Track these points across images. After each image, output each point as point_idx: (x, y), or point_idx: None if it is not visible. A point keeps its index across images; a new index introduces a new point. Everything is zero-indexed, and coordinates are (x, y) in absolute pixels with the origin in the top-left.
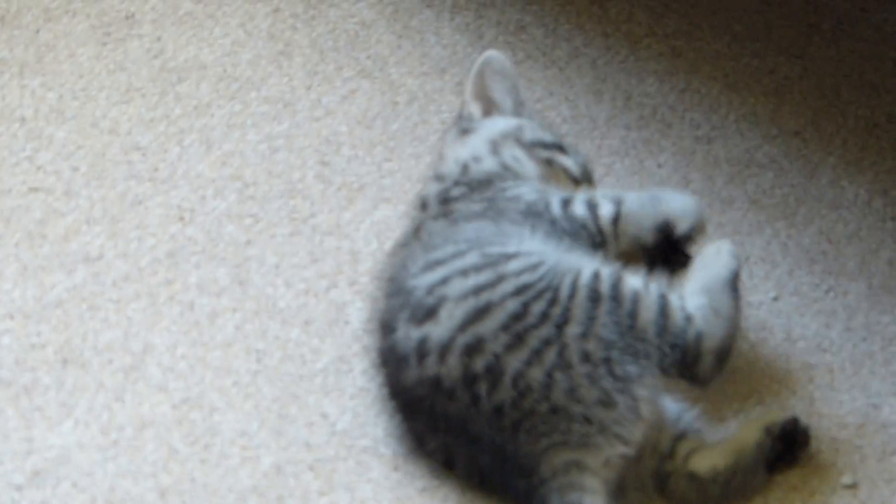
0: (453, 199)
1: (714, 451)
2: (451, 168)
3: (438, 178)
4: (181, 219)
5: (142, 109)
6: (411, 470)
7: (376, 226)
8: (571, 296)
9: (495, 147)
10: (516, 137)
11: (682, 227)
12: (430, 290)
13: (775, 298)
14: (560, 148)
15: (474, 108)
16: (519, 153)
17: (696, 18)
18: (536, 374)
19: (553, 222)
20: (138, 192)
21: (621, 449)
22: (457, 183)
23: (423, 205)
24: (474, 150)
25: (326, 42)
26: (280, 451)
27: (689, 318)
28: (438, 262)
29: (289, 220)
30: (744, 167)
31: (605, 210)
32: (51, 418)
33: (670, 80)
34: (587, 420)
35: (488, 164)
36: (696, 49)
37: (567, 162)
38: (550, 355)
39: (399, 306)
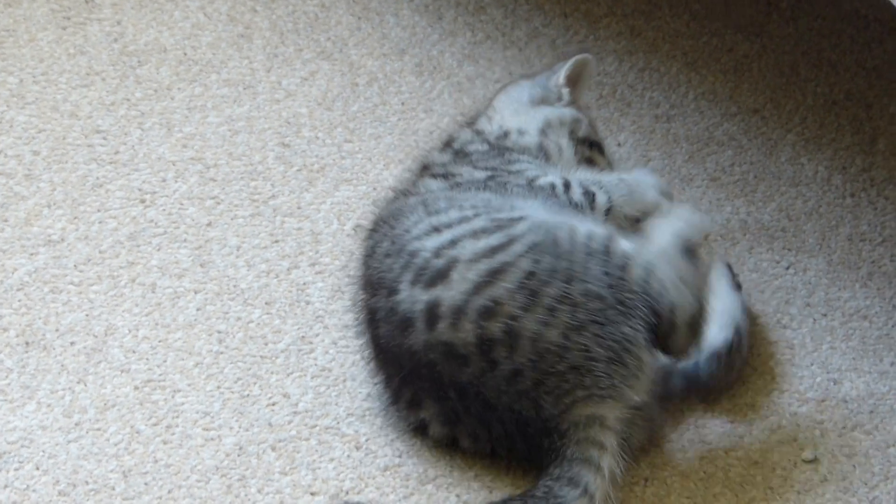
0: (467, 154)
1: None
2: (492, 128)
3: (477, 131)
4: (142, 201)
5: (102, 93)
6: (373, 449)
7: (337, 206)
8: (571, 249)
9: (546, 129)
10: (572, 129)
11: (658, 209)
12: (438, 252)
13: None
14: (601, 149)
15: (566, 93)
16: (565, 143)
17: None
18: (554, 335)
19: (553, 195)
20: (99, 175)
21: (634, 402)
22: (485, 142)
23: (447, 144)
24: (527, 124)
25: (286, 24)
26: (242, 431)
27: (664, 287)
28: (444, 226)
29: (250, 202)
30: (703, 145)
31: (601, 200)
32: (13, 401)
33: (630, 60)
34: (604, 376)
35: (528, 140)
36: (655, 28)
37: (602, 163)
38: (563, 315)
39: (401, 267)
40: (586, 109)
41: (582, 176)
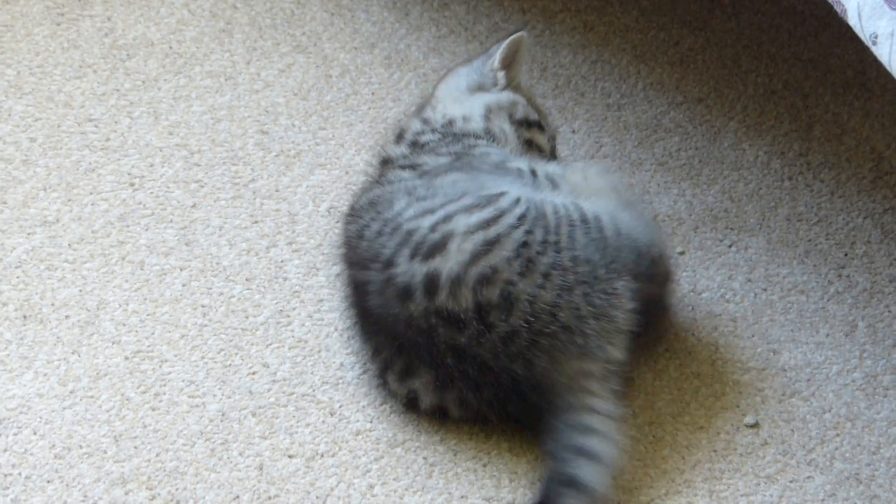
0: (422, 144)
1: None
2: (437, 117)
3: (424, 120)
4: (132, 185)
5: (94, 84)
6: (346, 415)
7: (312, 189)
8: (557, 224)
9: (489, 114)
10: (510, 112)
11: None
12: (434, 227)
13: (681, 253)
14: (540, 126)
15: (501, 76)
16: (507, 127)
17: None
18: (548, 298)
19: (520, 177)
20: (92, 160)
21: (618, 355)
22: (434, 131)
23: (399, 136)
24: (470, 110)
25: (265, 20)
26: (225, 398)
27: (636, 229)
28: (436, 207)
29: (231, 185)
30: (651, 132)
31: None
32: (12, 370)
33: (583, 53)
34: (592, 334)
35: (474, 126)
36: (606, 23)
37: (542, 140)
38: (557, 279)
39: (397, 244)
40: (525, 89)
41: (546, 167)
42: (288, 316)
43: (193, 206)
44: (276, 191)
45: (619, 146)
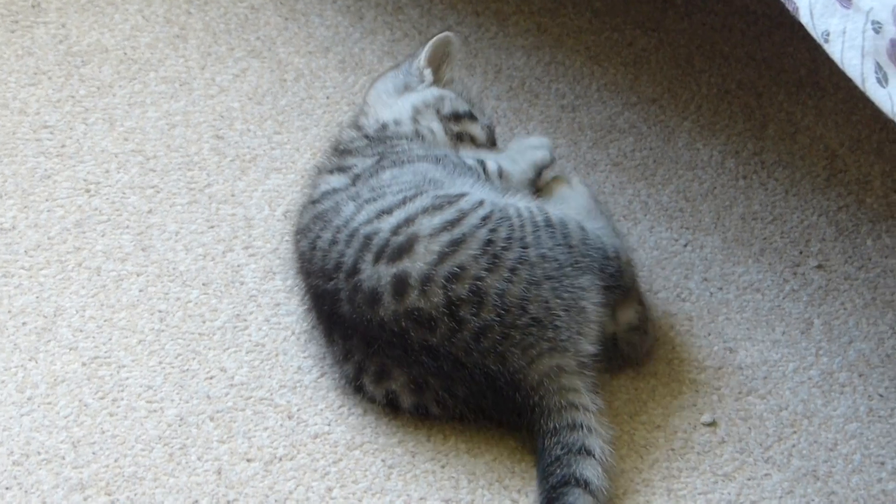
0: (348, 150)
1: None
2: (370, 122)
3: (357, 127)
4: (87, 191)
5: (49, 91)
6: (304, 418)
7: (268, 194)
8: (522, 225)
9: (416, 115)
10: (437, 108)
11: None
12: (396, 230)
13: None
14: (472, 116)
15: (427, 73)
16: (436, 126)
17: None
18: (516, 291)
19: (473, 172)
20: (47, 167)
21: (590, 348)
22: (366, 136)
23: (335, 147)
24: (399, 114)
25: (219, 25)
26: (183, 403)
27: (600, 236)
28: (392, 207)
29: (187, 191)
30: (606, 132)
31: (491, 167)
32: None
33: (537, 54)
34: (563, 327)
35: (405, 129)
36: (560, 25)
37: (475, 131)
38: (524, 273)
39: (357, 250)
40: (458, 83)
41: (470, 152)
42: (245, 320)
43: (149, 211)
44: (232, 195)
45: (574, 147)
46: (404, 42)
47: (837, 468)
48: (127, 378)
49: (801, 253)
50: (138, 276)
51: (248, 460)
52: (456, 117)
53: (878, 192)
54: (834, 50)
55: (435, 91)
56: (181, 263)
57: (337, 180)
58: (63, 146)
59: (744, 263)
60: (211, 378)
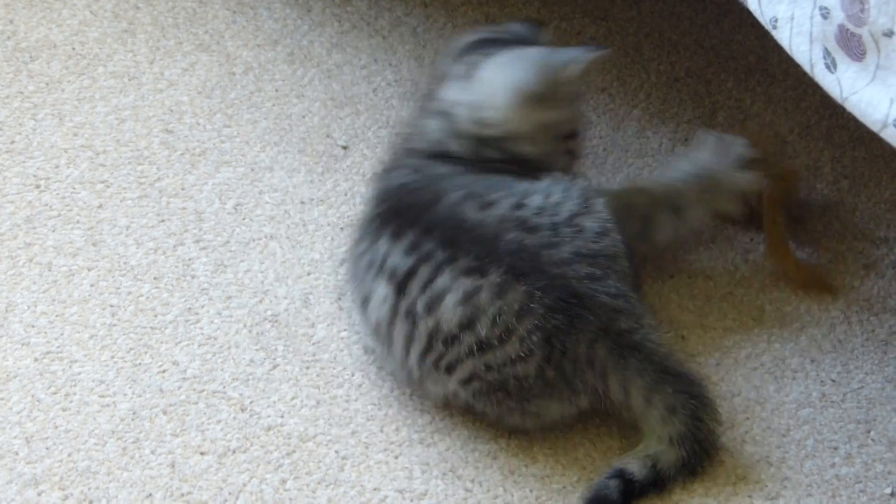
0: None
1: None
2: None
3: None
4: (37, 186)
5: None
6: (257, 410)
7: (218, 187)
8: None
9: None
10: None
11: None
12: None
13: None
14: None
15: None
16: None
17: None
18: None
19: None
20: None
21: None
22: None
23: None
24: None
25: (167, 19)
26: (135, 397)
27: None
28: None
29: (137, 185)
30: None
31: None
32: None
33: None
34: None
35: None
36: (507, 15)
37: None
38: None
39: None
40: None
41: None
42: (197, 313)
43: (100, 206)
44: (183, 189)
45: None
46: (352, 34)
47: (790, 454)
48: (79, 373)
49: (752, 240)
50: (89, 270)
51: (202, 453)
52: None
53: (829, 178)
54: (782, 36)
55: None
56: (132, 258)
57: None
58: (12, 142)
59: (695, 251)
60: (163, 372)
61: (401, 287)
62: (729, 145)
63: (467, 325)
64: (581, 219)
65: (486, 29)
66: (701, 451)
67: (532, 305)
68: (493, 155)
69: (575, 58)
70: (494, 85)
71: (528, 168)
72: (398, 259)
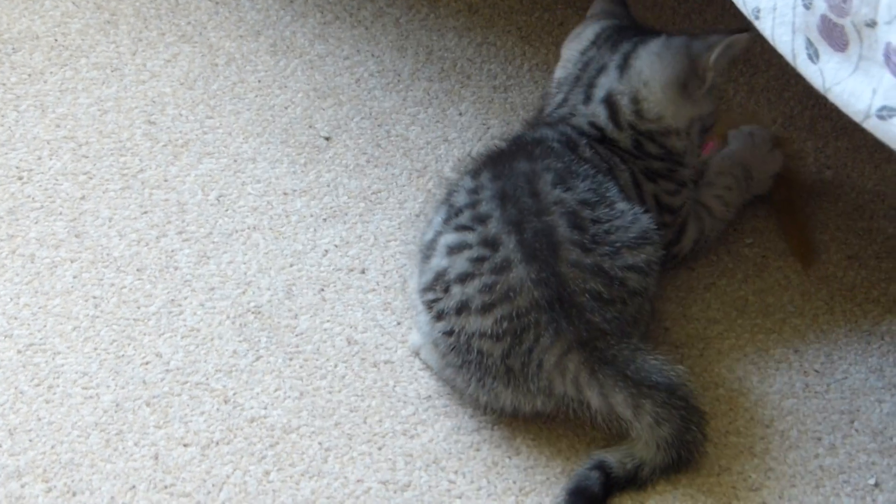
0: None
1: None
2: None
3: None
4: (20, 178)
5: None
6: (240, 402)
7: (201, 178)
8: None
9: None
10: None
11: None
12: None
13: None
14: None
15: (709, 77)
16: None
17: None
18: None
19: None
20: None
21: None
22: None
23: None
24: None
25: (149, 10)
26: (119, 389)
27: None
28: None
29: (120, 176)
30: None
31: None
32: None
33: (468, 35)
34: None
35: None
36: (490, 5)
37: None
38: None
39: None
40: None
41: None
42: (180, 305)
43: (82, 197)
44: (165, 181)
45: (507, 127)
46: (335, 25)
47: (774, 444)
48: (62, 365)
49: (735, 230)
50: (72, 262)
51: (185, 445)
52: None
53: (812, 169)
54: (764, 26)
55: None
56: (115, 249)
57: None
58: None
59: None
60: (147, 363)
61: (447, 219)
62: (756, 134)
63: (462, 281)
64: (628, 248)
65: (599, 17)
66: (687, 454)
67: (520, 292)
68: (653, 150)
69: (716, 41)
70: (651, 76)
71: (676, 164)
72: (462, 195)
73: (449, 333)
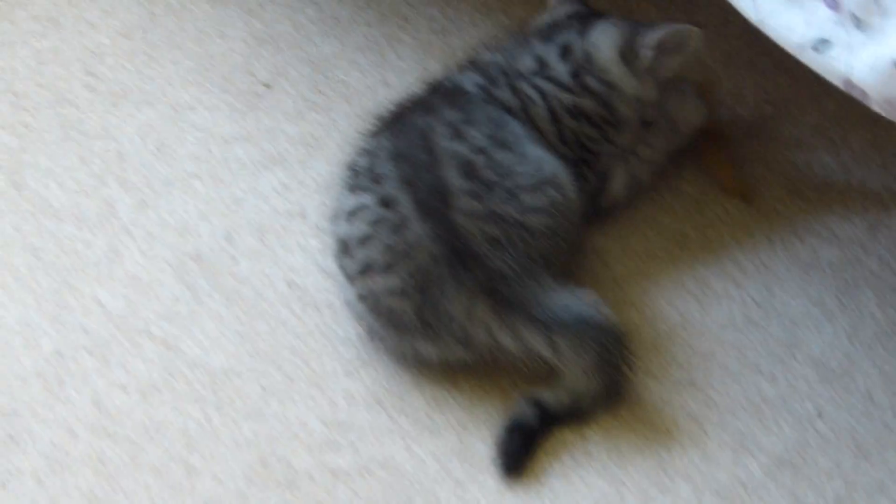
0: None
1: None
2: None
3: None
4: None
5: None
6: (181, 347)
7: (140, 127)
8: None
9: None
10: None
11: None
12: None
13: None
14: None
15: (644, 56)
16: None
17: None
18: None
19: None
20: None
21: None
22: None
23: None
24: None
25: None
26: (59, 337)
27: None
28: None
29: (59, 127)
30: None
31: None
32: None
33: None
34: None
35: None
36: None
37: None
38: None
39: None
40: None
41: None
42: (120, 253)
43: (21, 149)
44: (104, 130)
45: (446, 71)
46: None
47: (715, 376)
48: (3, 315)
49: (675, 168)
50: (12, 213)
51: (126, 391)
52: None
53: (751, 104)
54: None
55: None
56: (55, 200)
57: None
58: None
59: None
60: (87, 312)
61: (348, 182)
62: (677, 85)
63: (363, 243)
64: (527, 191)
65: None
66: (618, 379)
67: (419, 249)
68: (593, 85)
69: (663, 26)
70: (600, 38)
71: (611, 120)
72: (363, 157)
73: (362, 297)
